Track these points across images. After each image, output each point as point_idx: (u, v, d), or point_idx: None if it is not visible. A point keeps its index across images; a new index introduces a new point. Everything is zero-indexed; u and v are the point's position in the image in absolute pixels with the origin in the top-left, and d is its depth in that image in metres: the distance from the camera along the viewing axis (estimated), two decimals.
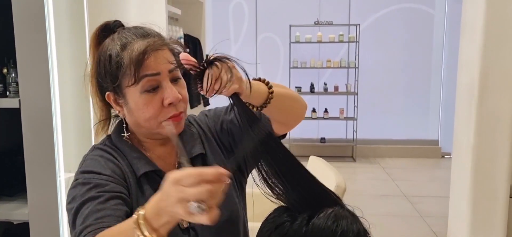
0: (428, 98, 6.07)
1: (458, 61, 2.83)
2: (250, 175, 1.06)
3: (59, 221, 1.54)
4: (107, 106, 1.01)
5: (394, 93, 6.04)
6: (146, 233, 0.69)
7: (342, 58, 5.89)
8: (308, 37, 5.72)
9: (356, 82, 5.75)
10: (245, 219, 1.08)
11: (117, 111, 0.99)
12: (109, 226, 0.80)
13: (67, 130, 1.57)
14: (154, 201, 0.71)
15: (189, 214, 0.64)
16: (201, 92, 0.76)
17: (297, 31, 5.71)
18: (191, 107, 3.73)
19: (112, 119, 1.04)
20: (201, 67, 0.76)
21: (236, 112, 0.88)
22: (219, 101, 1.05)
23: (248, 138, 0.77)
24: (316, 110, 5.91)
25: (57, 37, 1.52)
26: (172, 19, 3.45)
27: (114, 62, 0.92)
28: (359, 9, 5.94)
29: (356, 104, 5.82)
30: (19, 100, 1.49)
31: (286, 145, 5.54)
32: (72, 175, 0.98)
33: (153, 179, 0.96)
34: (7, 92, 1.55)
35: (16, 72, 1.51)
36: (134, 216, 0.72)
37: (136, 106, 0.93)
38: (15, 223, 1.61)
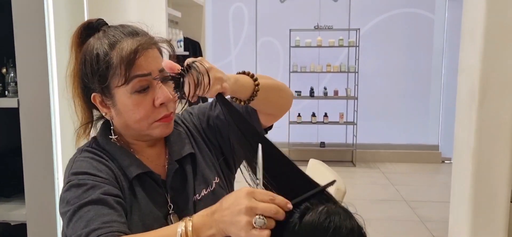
0: (428, 103, 6.06)
1: (459, 65, 2.82)
2: (238, 171, 1.05)
3: (56, 222, 1.53)
4: (90, 108, 0.97)
5: (394, 98, 6.03)
6: None
7: (342, 63, 5.89)
8: (308, 41, 5.72)
9: (356, 86, 5.74)
10: None
11: (103, 113, 0.95)
12: (119, 231, 0.78)
13: (65, 130, 1.56)
14: (208, 211, 0.72)
15: (250, 227, 0.66)
16: (184, 98, 0.76)
17: (297, 35, 5.72)
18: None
19: (94, 122, 1.00)
20: (178, 75, 0.76)
21: (224, 113, 0.87)
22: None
23: (236, 137, 0.77)
24: (315, 114, 5.91)
25: (57, 37, 1.51)
26: (172, 22, 3.45)
27: (103, 62, 0.88)
28: (359, 14, 5.95)
29: (356, 109, 5.81)
30: (18, 100, 1.48)
31: (286, 149, 5.51)
32: None
33: (145, 181, 0.93)
34: (6, 92, 1.54)
35: (15, 72, 1.50)
36: (181, 224, 0.72)
37: (125, 107, 0.90)
38: (12, 224, 1.60)
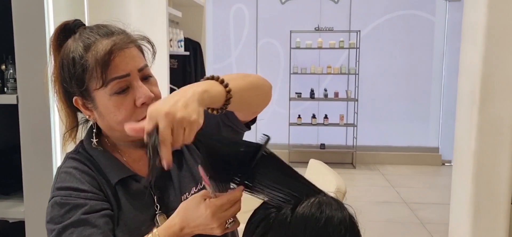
0: (429, 106, 6.06)
1: (459, 66, 2.82)
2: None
3: None
4: (74, 112, 0.95)
5: (394, 100, 6.03)
6: None
7: (342, 65, 5.89)
8: (309, 43, 5.71)
9: (356, 88, 5.74)
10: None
11: (87, 116, 0.93)
12: None
13: (64, 127, 1.55)
14: (176, 229, 0.80)
15: (224, 230, 0.79)
16: (164, 164, 0.70)
17: (298, 37, 5.71)
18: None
19: (81, 125, 0.99)
20: (146, 143, 0.70)
21: (204, 156, 0.80)
22: None
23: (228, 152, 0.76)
24: (316, 116, 5.90)
25: None
26: (173, 22, 3.45)
27: (79, 65, 0.86)
28: (360, 16, 5.95)
29: (356, 110, 5.80)
30: (17, 97, 1.47)
31: (286, 151, 5.50)
32: None
33: (128, 185, 0.92)
34: (5, 89, 1.53)
35: (14, 69, 1.49)
36: None
37: (106, 109, 0.88)
38: (10, 221, 1.59)
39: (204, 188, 0.95)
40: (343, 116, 5.92)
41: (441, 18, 5.92)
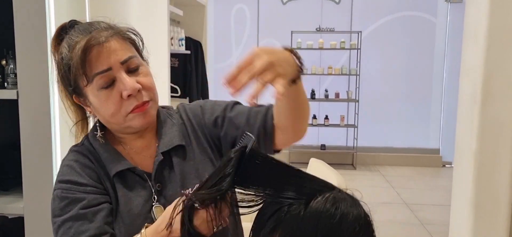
0: (429, 107, 6.05)
1: (461, 67, 2.81)
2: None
3: None
4: (80, 108, 0.97)
5: (395, 101, 6.02)
6: None
7: (343, 65, 5.88)
8: (310, 43, 5.71)
9: (357, 89, 5.73)
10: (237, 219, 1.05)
11: (88, 112, 0.96)
12: None
13: (64, 123, 1.55)
14: (164, 234, 0.79)
15: (211, 231, 0.77)
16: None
17: (299, 37, 5.71)
18: None
19: (87, 119, 1.01)
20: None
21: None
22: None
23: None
24: (316, 117, 5.89)
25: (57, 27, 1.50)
26: (174, 21, 3.44)
27: (66, 65, 0.88)
28: (361, 17, 5.95)
29: (357, 111, 5.80)
30: (17, 92, 1.47)
31: (286, 152, 5.50)
32: None
33: (127, 178, 0.93)
34: (5, 84, 1.53)
35: (14, 64, 1.49)
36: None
37: (97, 104, 0.90)
38: (9, 217, 1.59)
39: None
40: (343, 117, 5.91)
41: (442, 19, 5.91)
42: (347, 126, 5.93)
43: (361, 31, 5.64)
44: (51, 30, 1.48)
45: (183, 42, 3.55)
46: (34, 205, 1.51)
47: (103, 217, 0.87)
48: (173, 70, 3.66)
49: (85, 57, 0.85)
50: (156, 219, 0.88)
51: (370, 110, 5.96)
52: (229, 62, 6.14)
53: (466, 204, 2.65)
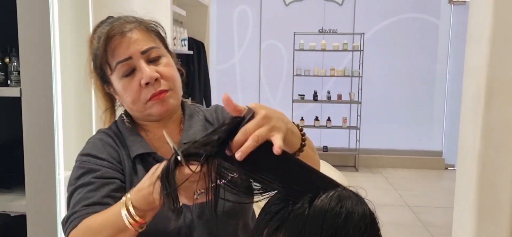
0: (432, 109, 6.04)
1: (464, 68, 2.80)
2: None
3: (56, 213, 1.51)
4: (109, 96, 1.04)
5: (397, 103, 6.01)
6: (138, 219, 0.75)
7: (346, 67, 5.87)
8: (312, 45, 5.71)
9: (360, 91, 5.72)
10: (253, 213, 1.05)
11: (117, 99, 1.02)
12: (94, 212, 0.83)
13: (67, 120, 1.55)
14: (145, 193, 0.73)
15: (192, 200, 0.71)
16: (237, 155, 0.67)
17: (301, 38, 5.71)
18: None
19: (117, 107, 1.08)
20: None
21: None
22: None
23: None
24: (319, 118, 5.88)
25: (60, 27, 1.50)
26: (177, 21, 3.44)
27: (95, 55, 0.96)
28: (364, 18, 5.94)
29: (359, 113, 5.79)
30: (20, 89, 1.47)
31: None
32: (71, 167, 0.97)
33: (147, 161, 0.96)
34: (8, 81, 1.53)
35: (18, 61, 1.49)
36: (123, 200, 0.75)
37: (120, 92, 0.96)
38: (12, 215, 1.58)
39: (233, 178, 0.94)
40: (346, 119, 5.90)
41: (445, 21, 5.90)
42: (350, 127, 5.92)
43: (363, 33, 5.64)
44: (55, 28, 1.48)
45: (186, 42, 3.55)
46: (36, 203, 1.51)
47: (111, 190, 0.89)
48: None
49: (107, 46, 0.91)
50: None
51: (373, 112, 5.95)
52: (232, 63, 6.14)
53: (469, 206, 2.64)
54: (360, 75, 5.67)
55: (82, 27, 1.67)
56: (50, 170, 1.50)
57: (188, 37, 3.70)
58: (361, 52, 5.63)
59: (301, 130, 0.83)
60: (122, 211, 0.75)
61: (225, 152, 0.69)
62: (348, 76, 5.77)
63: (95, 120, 1.30)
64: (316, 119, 5.88)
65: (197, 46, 4.00)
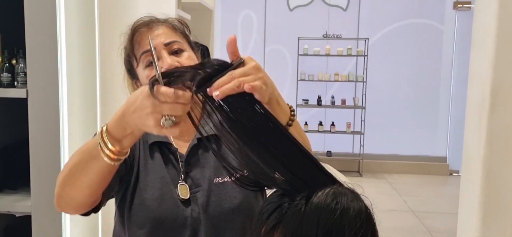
0: (437, 115, 6.02)
1: (469, 74, 2.79)
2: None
3: (61, 215, 1.52)
4: None
5: (402, 109, 6.00)
6: (110, 145, 0.75)
7: (350, 72, 5.87)
8: (316, 50, 5.71)
9: (364, 96, 5.72)
10: None
11: None
12: None
13: (73, 121, 1.56)
14: (118, 114, 0.75)
15: (159, 128, 0.70)
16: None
17: (306, 43, 5.72)
18: None
19: None
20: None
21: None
22: None
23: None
24: (322, 123, 5.88)
25: (67, 29, 1.52)
26: None
27: (124, 49, 1.03)
28: (368, 24, 5.95)
29: (363, 118, 5.78)
30: (27, 91, 1.48)
31: None
32: None
33: (163, 151, 1.00)
34: (15, 83, 1.54)
35: (24, 63, 1.50)
36: (98, 129, 0.77)
37: (144, 82, 0.99)
38: (17, 215, 1.59)
39: (238, 180, 0.95)
40: (350, 124, 5.90)
41: (450, 27, 5.89)
42: (354, 132, 5.91)
43: (368, 38, 5.64)
44: (61, 30, 1.49)
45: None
46: (41, 203, 1.52)
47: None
48: None
49: (133, 38, 0.98)
50: (179, 196, 0.95)
51: (377, 117, 5.94)
52: None
53: (474, 212, 2.63)
54: (364, 80, 5.67)
55: (88, 30, 1.69)
56: (55, 171, 1.50)
57: (193, 41, 3.72)
58: (366, 57, 5.63)
59: (292, 111, 0.86)
60: (98, 136, 0.76)
61: (205, 88, 0.69)
62: (352, 81, 5.77)
63: (100, 121, 1.30)
64: (320, 123, 5.87)
65: (201, 51, 4.01)
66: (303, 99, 5.83)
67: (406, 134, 6.00)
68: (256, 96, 0.70)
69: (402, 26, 5.91)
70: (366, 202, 0.67)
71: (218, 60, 0.72)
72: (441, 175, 5.87)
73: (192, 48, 1.05)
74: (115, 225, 1.04)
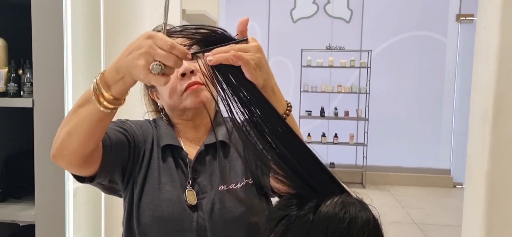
0: (440, 127, 6.01)
1: (472, 85, 2.79)
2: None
3: (65, 224, 1.52)
4: (155, 103, 1.14)
5: (405, 121, 5.99)
6: (101, 90, 0.77)
7: (353, 84, 5.88)
8: (320, 61, 5.73)
9: (367, 108, 5.72)
10: None
11: (159, 104, 1.10)
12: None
13: None
14: (116, 59, 0.77)
15: (147, 71, 0.71)
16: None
17: (309, 55, 5.74)
18: None
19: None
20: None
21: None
22: None
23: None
24: (326, 135, 5.88)
25: (73, 40, 1.53)
26: None
27: None
28: (371, 36, 5.97)
29: (366, 130, 5.77)
30: (33, 100, 1.49)
31: None
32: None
33: (174, 155, 1.02)
34: (21, 92, 1.56)
35: (31, 73, 1.52)
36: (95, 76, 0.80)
37: (161, 90, 1.02)
38: (21, 224, 1.60)
39: (244, 188, 1.00)
40: (353, 136, 5.89)
41: (452, 39, 5.91)
42: (357, 144, 5.91)
43: (371, 50, 5.66)
44: (68, 40, 1.51)
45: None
46: (45, 213, 1.52)
47: (122, 133, 0.96)
48: None
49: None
50: (187, 201, 0.96)
51: (380, 129, 5.94)
52: None
53: (478, 224, 2.61)
54: (367, 92, 5.68)
55: (94, 40, 1.70)
56: (59, 180, 1.51)
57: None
58: (369, 69, 5.64)
59: (288, 105, 0.88)
60: (93, 81, 0.79)
61: (202, 49, 0.73)
62: (355, 93, 5.78)
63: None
64: (323, 135, 5.87)
65: None
66: (306, 111, 5.84)
67: (409, 146, 5.99)
68: (246, 73, 0.74)
69: (405, 38, 5.93)
70: (374, 212, 0.68)
71: (224, 31, 0.77)
72: (445, 187, 5.84)
73: None
74: (123, 233, 1.04)
